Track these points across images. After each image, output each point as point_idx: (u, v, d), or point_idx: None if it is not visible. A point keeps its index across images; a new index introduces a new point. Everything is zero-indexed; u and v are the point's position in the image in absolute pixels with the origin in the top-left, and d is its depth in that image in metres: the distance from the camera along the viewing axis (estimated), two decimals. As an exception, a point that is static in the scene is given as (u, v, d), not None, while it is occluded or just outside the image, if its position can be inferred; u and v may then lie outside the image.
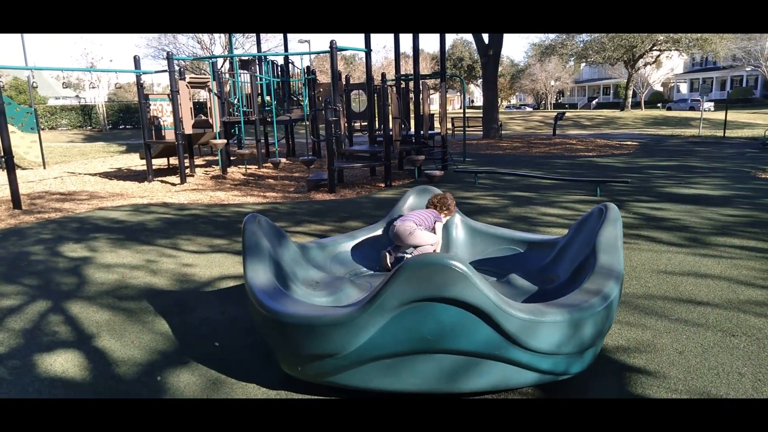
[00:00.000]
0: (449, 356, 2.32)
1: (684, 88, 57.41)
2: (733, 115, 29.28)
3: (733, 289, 3.86)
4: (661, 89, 58.33)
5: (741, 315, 3.41)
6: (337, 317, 2.35)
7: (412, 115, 12.72)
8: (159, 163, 13.84)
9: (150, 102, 11.28)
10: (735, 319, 3.35)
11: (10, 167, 8.15)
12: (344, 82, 12.70)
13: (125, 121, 35.08)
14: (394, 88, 11.73)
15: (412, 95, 12.51)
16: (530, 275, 3.31)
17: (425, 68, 47.00)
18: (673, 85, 58.17)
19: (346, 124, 11.97)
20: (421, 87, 11.45)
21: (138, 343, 3.29)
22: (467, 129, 14.85)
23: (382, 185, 9.80)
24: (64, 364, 3.04)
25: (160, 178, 11.47)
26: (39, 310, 3.89)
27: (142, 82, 11.15)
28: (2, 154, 8.14)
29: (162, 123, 11.45)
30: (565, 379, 2.55)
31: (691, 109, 41.46)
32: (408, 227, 3.63)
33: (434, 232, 3.79)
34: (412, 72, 12.05)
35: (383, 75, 11.65)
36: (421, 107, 11.26)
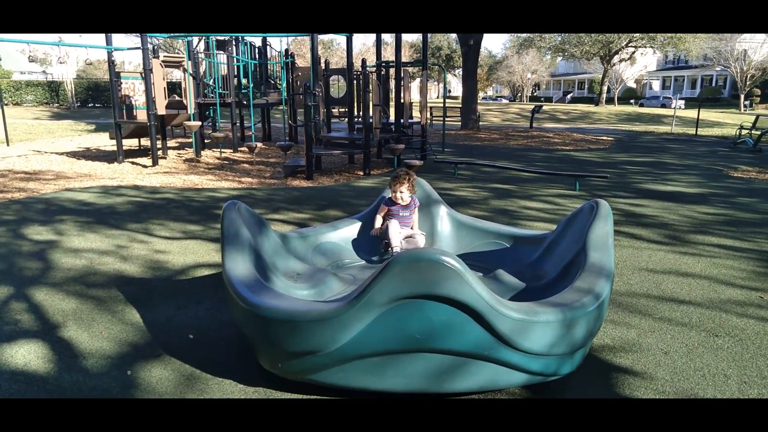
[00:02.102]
0: (437, 356, 2.24)
1: (656, 85, 58.51)
2: (704, 114, 29.86)
3: (714, 288, 3.87)
4: (634, 86, 59.30)
5: (723, 315, 3.41)
6: (322, 312, 2.24)
7: (392, 104, 12.57)
8: (130, 144, 13.39)
9: (122, 80, 10.86)
10: (717, 318, 3.36)
11: (-29, 144, 7.74)
12: (323, 67, 12.46)
13: (95, 99, 34.02)
14: (375, 75, 11.56)
15: (392, 82, 12.35)
16: (518, 271, 3.24)
17: (404, 56, 46.68)
18: (645, 82, 59.19)
19: (324, 110, 11.75)
20: (402, 74, 11.31)
21: (107, 335, 3.12)
22: (446, 119, 14.77)
23: (361, 173, 9.66)
24: (26, 356, 2.86)
25: (130, 160, 11.10)
26: (0, 296, 3.67)
27: (113, 59, 10.72)
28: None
29: (134, 102, 11.05)
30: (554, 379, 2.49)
31: (663, 106, 42.29)
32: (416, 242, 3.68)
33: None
34: (392, 59, 11.88)
35: (363, 61, 11.46)
36: (402, 95, 11.12)
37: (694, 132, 20.96)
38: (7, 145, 14.21)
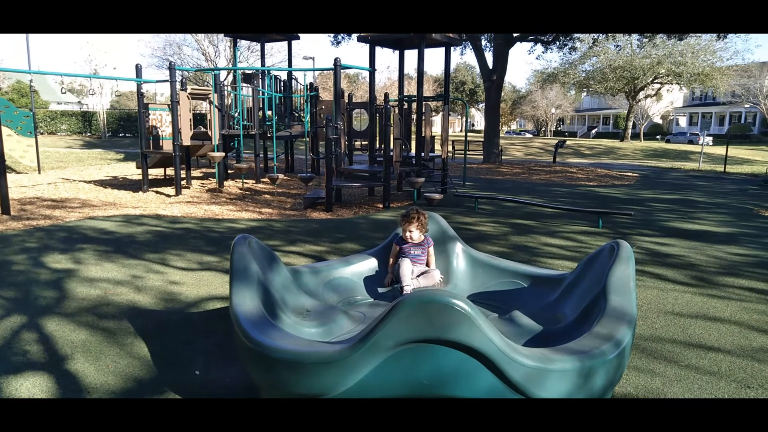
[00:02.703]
0: (447, 403, 2.12)
1: (683, 121, 57.89)
2: (732, 151, 29.36)
3: (744, 335, 3.67)
4: (660, 121, 58.82)
5: (755, 364, 3.22)
6: (326, 355, 2.16)
7: (413, 137, 12.62)
8: (156, 173, 13.66)
9: (150, 111, 11.15)
10: (749, 368, 3.16)
11: (1, 171, 7.96)
12: (347, 100, 12.62)
13: (125, 129, 35.02)
14: (396, 109, 11.65)
15: (414, 116, 12.42)
16: (534, 313, 3.12)
17: (428, 90, 47.26)
18: (672, 117, 58.66)
19: (346, 143, 11.85)
20: (423, 108, 11.37)
21: (113, 368, 3.07)
22: (467, 153, 14.76)
23: (381, 206, 9.63)
24: (31, 388, 2.82)
25: (155, 189, 11.29)
26: (13, 325, 3.67)
27: (143, 90, 11.03)
28: (-6, 157, 7.95)
29: (160, 133, 11.30)
30: None
31: (690, 142, 41.70)
32: (432, 277, 3.60)
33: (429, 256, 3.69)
34: (415, 93, 11.98)
35: (386, 95, 11.57)
36: (423, 129, 11.16)
37: (722, 169, 20.54)
38: (39, 172, 14.63)
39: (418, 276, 3.62)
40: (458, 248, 3.87)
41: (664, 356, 3.32)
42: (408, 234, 3.64)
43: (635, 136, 47.90)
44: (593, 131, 62.00)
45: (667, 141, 45.59)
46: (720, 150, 30.58)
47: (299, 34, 16.31)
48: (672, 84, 43.20)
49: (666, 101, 54.46)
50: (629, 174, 18.20)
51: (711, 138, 41.24)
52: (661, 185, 14.55)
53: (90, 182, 12.63)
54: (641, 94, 44.35)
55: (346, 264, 3.78)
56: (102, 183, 12.57)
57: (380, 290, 3.71)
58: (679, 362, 3.24)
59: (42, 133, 31.50)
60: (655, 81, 42.29)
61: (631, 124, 45.08)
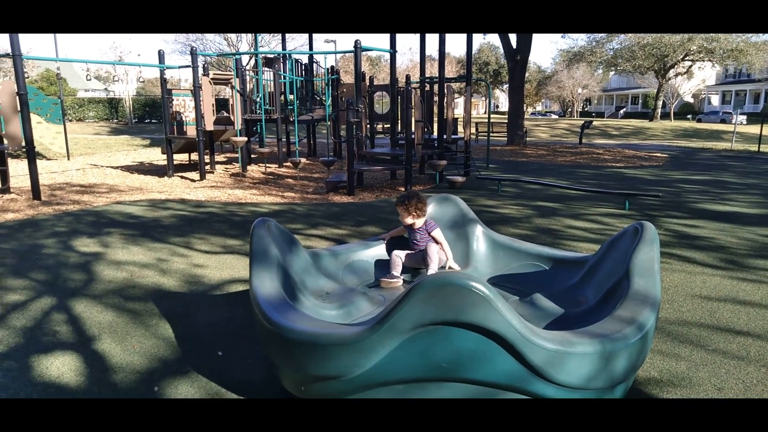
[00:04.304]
0: (465, 386, 2.11)
1: (715, 100, 56.13)
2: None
3: (775, 319, 3.57)
4: (691, 100, 57.13)
5: (786, 349, 3.13)
6: (344, 336, 2.16)
7: (435, 119, 12.50)
8: (180, 158, 13.84)
9: (173, 97, 11.26)
10: (779, 353, 3.08)
11: (32, 158, 8.15)
12: (368, 83, 12.54)
13: (150, 115, 35.49)
14: (418, 91, 11.53)
15: (436, 98, 12.29)
16: (556, 296, 3.07)
17: (450, 71, 46.69)
18: (704, 96, 56.91)
19: (368, 126, 11.80)
20: (445, 91, 11.23)
21: (139, 348, 3.14)
22: (491, 135, 14.56)
23: (403, 189, 9.59)
24: (60, 367, 2.90)
25: (180, 174, 11.44)
26: (43, 307, 3.78)
27: (166, 77, 11.13)
28: (24, 144, 8.15)
29: (184, 118, 11.42)
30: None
31: (722, 121, 40.48)
32: (429, 256, 3.52)
33: (436, 242, 3.62)
34: (437, 75, 11.83)
35: (407, 77, 11.46)
36: (445, 111, 11.04)
37: (756, 149, 19.90)
38: (68, 159, 14.95)
39: (409, 265, 3.63)
40: (478, 231, 3.83)
41: (691, 340, 3.25)
42: (400, 218, 3.63)
43: (665, 116, 46.65)
44: (621, 111, 60.57)
45: (699, 120, 44.32)
46: (754, 129, 29.58)
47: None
48: (704, 61, 41.81)
49: (697, 79, 52.78)
50: (658, 155, 17.77)
51: (745, 117, 39.93)
52: (692, 166, 14.17)
53: (117, 168, 12.87)
54: (671, 72, 43.06)
55: (366, 247, 3.77)
56: (128, 168, 12.79)
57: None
58: (705, 346, 3.17)
59: (70, 120, 32.15)
60: (686, 58, 40.98)
61: (660, 103, 43.89)
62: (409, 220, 3.59)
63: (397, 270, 3.54)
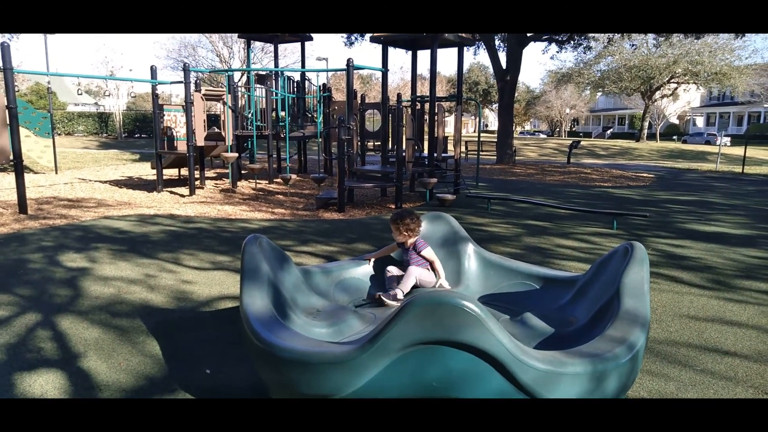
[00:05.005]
0: (456, 405, 2.10)
1: (700, 121, 57.13)
2: (751, 152, 28.88)
3: (762, 340, 3.60)
4: (676, 122, 58.11)
5: (773, 369, 3.15)
6: (335, 355, 2.15)
7: (426, 137, 12.59)
8: (170, 173, 13.78)
9: (164, 112, 11.24)
10: (767, 374, 3.10)
11: (19, 171, 8.08)
12: (359, 101, 12.62)
13: (141, 130, 35.37)
14: (409, 109, 11.63)
15: (426, 117, 12.39)
16: (546, 315, 3.08)
17: (441, 90, 47.17)
18: (689, 118, 57.92)
19: (359, 143, 11.85)
20: (436, 109, 11.34)
21: (125, 366, 3.10)
22: (481, 153, 14.68)
23: (393, 207, 9.61)
24: (44, 385, 2.85)
25: (169, 189, 11.39)
26: (27, 323, 3.72)
27: (158, 92, 11.13)
28: (12, 158, 8.08)
29: (175, 134, 11.40)
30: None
31: (707, 143, 41.14)
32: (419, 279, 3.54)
33: (426, 260, 3.63)
34: (428, 93, 11.95)
35: (399, 95, 11.56)
36: (436, 129, 11.13)
37: (740, 170, 20.23)
38: (56, 173, 14.83)
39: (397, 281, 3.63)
40: (470, 249, 3.84)
41: (679, 360, 3.27)
42: (396, 237, 3.65)
43: (651, 137, 47.33)
44: (608, 132, 61.42)
45: (684, 141, 45.02)
46: (738, 151, 30.11)
47: (312, 35, 16.35)
48: (689, 84, 42.59)
49: (683, 101, 53.74)
50: (645, 175, 17.99)
51: (729, 138, 40.62)
52: (678, 186, 14.36)
53: (106, 182, 12.78)
54: (657, 94, 43.81)
55: (357, 264, 3.77)
56: (117, 183, 12.71)
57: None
58: (694, 366, 3.18)
59: (59, 134, 31.94)
60: (672, 80, 41.74)
61: (647, 124, 44.56)
62: (401, 239, 3.60)
63: (394, 288, 3.53)
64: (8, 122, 7.93)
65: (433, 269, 3.65)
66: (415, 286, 3.58)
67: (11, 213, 8.09)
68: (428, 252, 3.62)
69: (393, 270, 3.64)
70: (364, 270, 3.78)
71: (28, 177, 11.43)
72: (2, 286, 4.51)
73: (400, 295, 3.44)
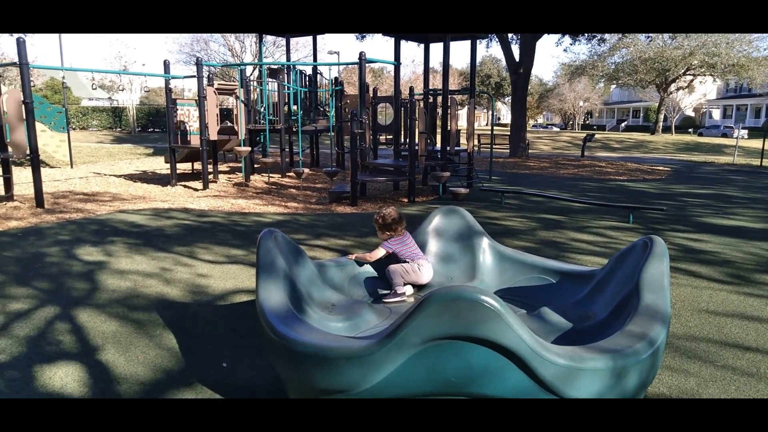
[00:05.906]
0: (474, 401, 2.09)
1: (716, 114, 56.29)
2: (769, 144, 28.39)
3: (784, 335, 3.54)
4: (692, 114, 57.29)
5: (796, 366, 3.10)
6: (353, 350, 2.14)
7: (438, 131, 12.53)
8: (184, 167, 13.86)
9: (177, 106, 11.29)
10: (789, 370, 3.05)
11: (35, 166, 8.16)
12: (371, 95, 12.58)
13: (154, 125, 35.60)
14: (422, 103, 11.57)
15: (439, 110, 12.32)
16: (563, 310, 3.05)
17: (453, 84, 46.90)
18: (705, 110, 57.08)
19: (371, 137, 11.82)
20: (449, 102, 11.27)
21: (143, 359, 3.12)
22: (494, 147, 14.59)
23: (405, 201, 9.59)
24: (63, 378, 2.88)
25: (183, 183, 11.45)
26: (46, 316, 3.76)
27: (171, 86, 11.18)
28: (29, 152, 8.16)
29: (188, 128, 11.45)
30: None
31: (724, 135, 40.56)
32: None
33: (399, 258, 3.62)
34: (440, 87, 11.87)
35: (411, 89, 11.50)
36: (448, 123, 11.06)
37: (758, 163, 19.90)
38: (71, 167, 14.98)
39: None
40: (485, 243, 3.81)
41: (699, 356, 3.22)
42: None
43: (666, 130, 46.75)
44: (623, 124, 60.72)
45: (700, 134, 44.41)
46: (756, 143, 29.62)
47: (324, 29, 16.32)
48: (705, 75, 41.93)
49: (699, 93, 52.91)
50: (660, 168, 17.77)
51: (746, 131, 39.97)
52: (694, 180, 14.17)
53: (120, 176, 12.88)
54: (673, 86, 43.19)
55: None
56: (132, 177, 12.81)
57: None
58: (714, 362, 3.14)
59: (74, 129, 32.25)
60: (688, 72, 41.12)
61: (662, 117, 44.00)
62: (384, 237, 3.65)
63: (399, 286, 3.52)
64: (25, 117, 8.00)
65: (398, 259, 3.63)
66: (408, 283, 3.59)
67: (28, 207, 8.18)
68: (392, 246, 3.67)
69: (393, 266, 3.63)
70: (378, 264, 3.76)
71: (44, 171, 11.54)
72: (21, 280, 4.57)
73: (400, 290, 3.50)
